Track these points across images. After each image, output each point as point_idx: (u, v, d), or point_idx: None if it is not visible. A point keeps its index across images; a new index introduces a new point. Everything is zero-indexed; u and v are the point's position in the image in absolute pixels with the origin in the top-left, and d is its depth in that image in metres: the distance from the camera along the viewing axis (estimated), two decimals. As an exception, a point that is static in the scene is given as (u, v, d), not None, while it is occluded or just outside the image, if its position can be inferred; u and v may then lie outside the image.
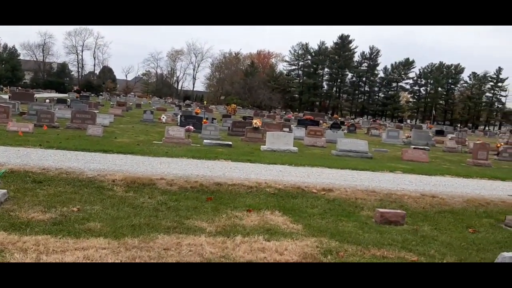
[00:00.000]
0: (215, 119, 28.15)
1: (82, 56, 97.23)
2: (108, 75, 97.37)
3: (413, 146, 22.64)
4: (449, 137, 29.94)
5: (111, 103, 49.37)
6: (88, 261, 4.36)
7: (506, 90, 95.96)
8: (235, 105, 49.49)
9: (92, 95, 68.62)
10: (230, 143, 15.13)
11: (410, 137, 27.76)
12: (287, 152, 14.69)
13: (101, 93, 77.45)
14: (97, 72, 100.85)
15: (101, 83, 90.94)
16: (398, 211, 7.02)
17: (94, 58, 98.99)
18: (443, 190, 9.30)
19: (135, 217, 6.01)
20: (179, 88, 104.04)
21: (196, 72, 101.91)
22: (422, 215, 7.51)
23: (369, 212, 7.37)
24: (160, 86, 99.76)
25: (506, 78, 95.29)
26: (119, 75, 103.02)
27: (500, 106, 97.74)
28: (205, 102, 56.25)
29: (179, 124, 20.67)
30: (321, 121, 38.01)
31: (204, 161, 10.63)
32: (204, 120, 20.48)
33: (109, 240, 5.01)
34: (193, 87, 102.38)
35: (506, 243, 6.32)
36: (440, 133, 39.68)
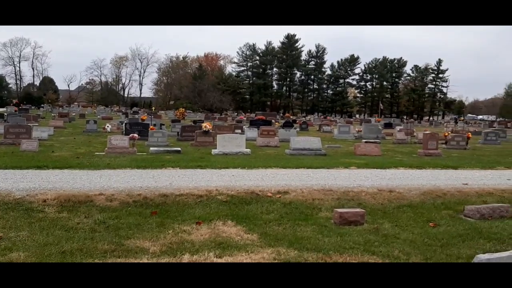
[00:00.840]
0: (163, 124, 27.19)
1: (19, 67, 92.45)
2: (49, 86, 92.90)
3: (364, 140, 22.77)
4: (398, 129, 30.56)
5: (53, 114, 46.92)
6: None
7: (446, 81, 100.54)
8: (183, 109, 48.26)
9: (33, 107, 65.26)
10: (179, 149, 14.39)
11: (361, 131, 28.04)
12: (240, 155, 14.16)
13: (42, 105, 73.67)
14: (37, 83, 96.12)
15: (41, 94, 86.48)
16: (357, 210, 6.65)
17: (33, 69, 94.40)
18: (399, 183, 9.09)
19: (66, 242, 5.25)
20: (126, 95, 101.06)
21: (143, 78, 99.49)
22: (381, 212, 7.20)
23: (328, 213, 6.97)
24: (106, 95, 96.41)
25: (446, 70, 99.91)
26: (61, 85, 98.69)
27: (442, 96, 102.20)
28: (153, 108, 54.63)
29: (124, 132, 19.63)
30: (273, 121, 37.81)
31: (149, 171, 9.88)
32: (151, 127, 19.57)
33: (32, 274, 4.25)
34: (140, 94, 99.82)
35: (468, 235, 6.09)
36: (388, 125, 40.53)
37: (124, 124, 20.93)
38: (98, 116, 48.14)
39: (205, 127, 17.17)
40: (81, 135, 24.41)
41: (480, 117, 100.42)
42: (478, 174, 10.93)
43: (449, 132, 21.47)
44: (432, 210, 7.40)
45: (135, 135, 14.01)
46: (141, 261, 4.62)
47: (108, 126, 25.94)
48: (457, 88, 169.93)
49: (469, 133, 21.48)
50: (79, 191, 7.39)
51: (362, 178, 9.60)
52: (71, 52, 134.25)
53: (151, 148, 14.22)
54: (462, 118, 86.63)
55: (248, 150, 14.68)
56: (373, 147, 15.60)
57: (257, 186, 8.21)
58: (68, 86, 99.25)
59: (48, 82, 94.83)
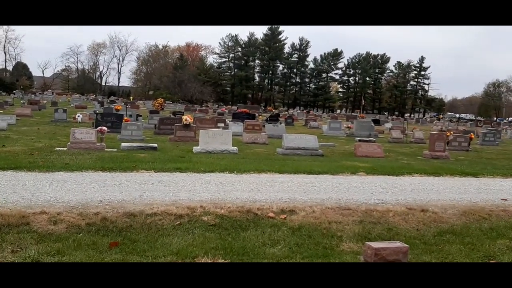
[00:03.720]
0: (140, 115, 25.06)
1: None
2: (22, 72, 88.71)
3: (358, 138, 21.19)
4: (390, 126, 29.15)
5: (22, 101, 44.03)
6: None
7: (428, 78, 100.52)
8: (162, 100, 45.76)
9: (3, 93, 61.98)
10: (156, 145, 12.40)
11: (351, 127, 26.46)
12: (226, 153, 12.29)
13: (14, 91, 70.01)
14: (10, 68, 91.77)
15: (14, 80, 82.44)
16: (397, 244, 4.85)
17: (5, 53, 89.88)
18: (426, 198, 7.38)
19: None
20: (103, 84, 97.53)
21: (121, 67, 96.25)
22: (420, 242, 5.44)
23: (352, 244, 5.18)
24: (82, 82, 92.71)
25: (429, 67, 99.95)
26: (35, 71, 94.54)
27: (423, 93, 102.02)
28: (131, 98, 52.08)
29: (94, 124, 17.49)
30: (256, 114, 35.95)
31: (116, 175, 7.91)
32: (126, 118, 17.48)
33: None
34: (118, 83, 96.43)
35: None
36: (376, 122, 39.15)
37: (95, 114, 18.74)
38: (72, 105, 45.57)
39: (186, 120, 15.20)
40: (48, 125, 22.11)
41: (458, 115, 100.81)
42: (507, 185, 9.33)
43: (452, 132, 20.05)
44: (482, 239, 5.68)
45: (104, 128, 11.95)
46: None
47: (79, 116, 23.67)
48: (437, 86, 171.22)
49: (472, 133, 20.09)
50: (13, 207, 5.41)
51: (379, 190, 7.85)
52: (46, 37, 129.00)
53: (122, 144, 12.19)
54: (441, 116, 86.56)
55: (235, 148, 12.81)
56: (375, 148, 13.92)
57: (253, 201, 6.36)
58: (43, 72, 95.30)
59: (21, 68, 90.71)
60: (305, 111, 74.91)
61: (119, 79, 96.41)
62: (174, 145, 14.09)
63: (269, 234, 5.25)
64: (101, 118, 17.64)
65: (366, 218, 6.02)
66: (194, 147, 12.52)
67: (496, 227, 6.15)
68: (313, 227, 5.55)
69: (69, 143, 11.68)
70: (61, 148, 11.69)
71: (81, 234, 4.86)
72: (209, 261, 4.38)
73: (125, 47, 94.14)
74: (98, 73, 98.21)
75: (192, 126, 15.58)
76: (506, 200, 7.58)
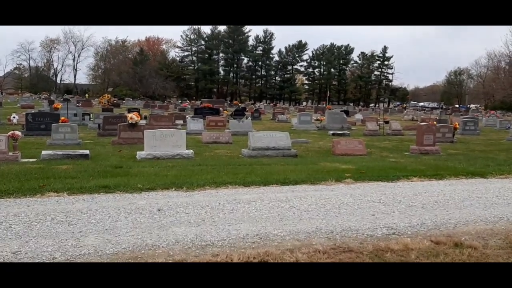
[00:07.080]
0: (88, 114, 22.24)
1: None
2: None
3: (331, 132, 19.28)
4: (360, 118, 27.45)
5: (-39, 103, 39.97)
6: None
7: (392, 68, 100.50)
8: (108, 96, 42.49)
9: None
10: (87, 152, 9.87)
11: (321, 120, 24.52)
12: (178, 159, 9.95)
13: (-41, 92, 64.77)
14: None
15: (-40, 80, 76.71)
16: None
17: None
18: (449, 219, 5.31)
19: None
20: (59, 81, 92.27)
21: (77, 63, 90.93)
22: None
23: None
24: (35, 81, 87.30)
25: (391, 56, 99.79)
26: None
27: (387, 83, 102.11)
28: (86, 95, 48.53)
29: (25, 126, 14.71)
30: (221, 109, 33.51)
31: (6, 205, 5.44)
32: (62, 118, 14.79)
33: None
34: (75, 80, 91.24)
35: None
36: (345, 113, 37.51)
37: (25, 115, 15.86)
38: (18, 105, 41.96)
39: (131, 118, 12.69)
40: (-24, 129, 19.06)
41: (421, 104, 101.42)
42: (531, 188, 7.44)
43: (434, 122, 18.39)
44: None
45: (17, 132, 9.36)
46: None
47: (14, 117, 20.65)
48: (400, 76, 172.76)
49: (456, 123, 18.47)
50: None
51: (381, 208, 5.73)
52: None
53: (43, 152, 9.58)
54: (405, 105, 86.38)
55: (190, 151, 10.46)
56: (356, 144, 11.88)
57: (202, 246, 4.09)
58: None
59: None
60: (272, 104, 73.00)
61: (75, 76, 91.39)
62: (116, 149, 11.60)
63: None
64: (32, 119, 14.86)
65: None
66: (138, 153, 10.10)
67: None
68: (300, 296, 3.32)
69: (-28, 153, 9.05)
70: (-38, 161, 9.04)
71: None
72: None
73: (80, 42, 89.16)
74: (52, 71, 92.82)
75: (140, 126, 13.10)
76: (549, 215, 5.62)
